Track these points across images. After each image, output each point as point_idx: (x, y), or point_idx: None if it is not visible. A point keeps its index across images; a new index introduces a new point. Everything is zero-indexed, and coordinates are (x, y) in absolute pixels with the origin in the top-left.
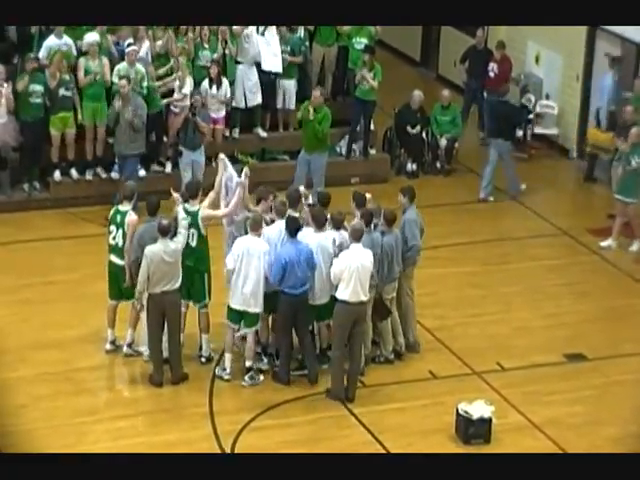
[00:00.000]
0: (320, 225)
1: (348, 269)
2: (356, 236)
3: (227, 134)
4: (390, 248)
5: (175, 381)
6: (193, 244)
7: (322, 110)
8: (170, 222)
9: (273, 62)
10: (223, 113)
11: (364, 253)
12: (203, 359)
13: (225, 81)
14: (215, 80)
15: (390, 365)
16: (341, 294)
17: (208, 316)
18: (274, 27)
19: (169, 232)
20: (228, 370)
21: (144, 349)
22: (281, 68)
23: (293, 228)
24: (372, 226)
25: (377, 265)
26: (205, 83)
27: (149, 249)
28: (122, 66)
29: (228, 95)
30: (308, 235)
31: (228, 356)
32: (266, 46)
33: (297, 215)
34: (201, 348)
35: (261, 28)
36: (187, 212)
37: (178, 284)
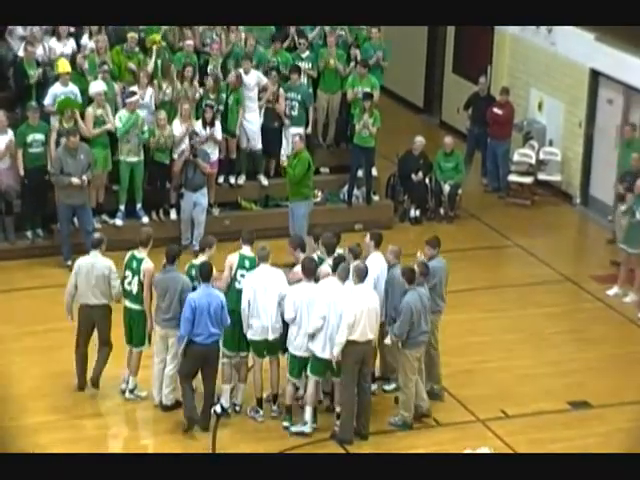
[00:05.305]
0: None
1: (357, 314)
2: (361, 276)
3: (232, 181)
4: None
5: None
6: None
7: (298, 155)
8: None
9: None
10: (216, 156)
11: (369, 294)
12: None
13: (217, 123)
14: (209, 123)
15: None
16: (350, 335)
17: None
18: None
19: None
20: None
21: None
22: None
23: (205, 274)
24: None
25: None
26: (199, 125)
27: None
28: (122, 114)
29: (219, 137)
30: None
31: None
32: None
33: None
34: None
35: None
36: (244, 257)
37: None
